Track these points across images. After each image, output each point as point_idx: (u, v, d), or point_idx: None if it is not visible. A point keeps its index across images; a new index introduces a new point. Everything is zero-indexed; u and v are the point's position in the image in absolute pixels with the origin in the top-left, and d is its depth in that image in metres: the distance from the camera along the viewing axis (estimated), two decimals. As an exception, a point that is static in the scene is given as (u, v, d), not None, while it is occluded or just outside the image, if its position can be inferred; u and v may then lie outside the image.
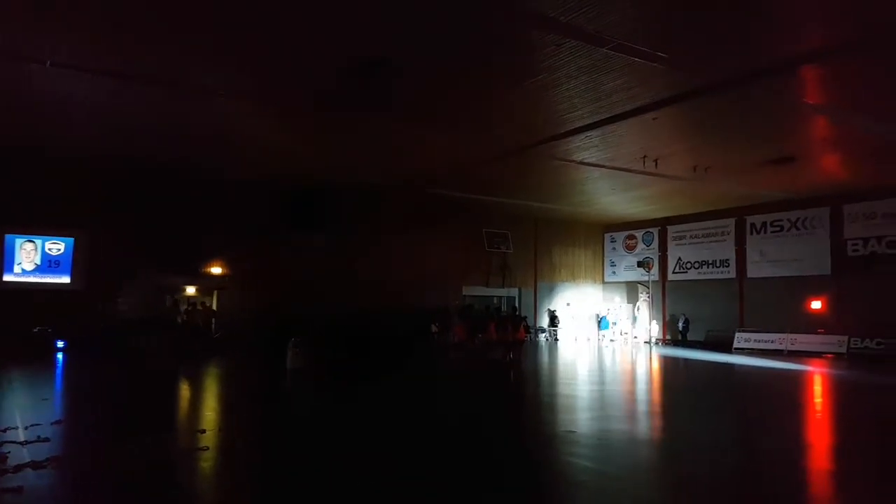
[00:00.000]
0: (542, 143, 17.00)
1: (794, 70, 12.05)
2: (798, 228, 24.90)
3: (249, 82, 13.22)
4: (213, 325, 22.38)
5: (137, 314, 21.60)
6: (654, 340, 24.67)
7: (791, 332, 24.21)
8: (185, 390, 13.59)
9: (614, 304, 31.22)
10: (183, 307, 22.61)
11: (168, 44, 11.30)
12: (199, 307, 22.38)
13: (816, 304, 24.04)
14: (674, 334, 28.18)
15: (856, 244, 23.22)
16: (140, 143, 17.86)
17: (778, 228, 25.61)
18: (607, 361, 20.88)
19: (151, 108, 14.85)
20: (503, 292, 29.33)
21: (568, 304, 31.03)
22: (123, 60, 12.05)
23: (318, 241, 24.16)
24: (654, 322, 25.77)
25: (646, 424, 10.14)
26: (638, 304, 26.30)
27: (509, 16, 9.99)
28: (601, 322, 29.86)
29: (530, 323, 29.02)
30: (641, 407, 12.09)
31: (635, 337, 28.88)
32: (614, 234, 32.28)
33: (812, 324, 23.98)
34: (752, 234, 26.53)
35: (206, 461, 7.07)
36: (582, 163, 19.10)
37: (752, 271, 26.37)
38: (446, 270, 27.89)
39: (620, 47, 10.87)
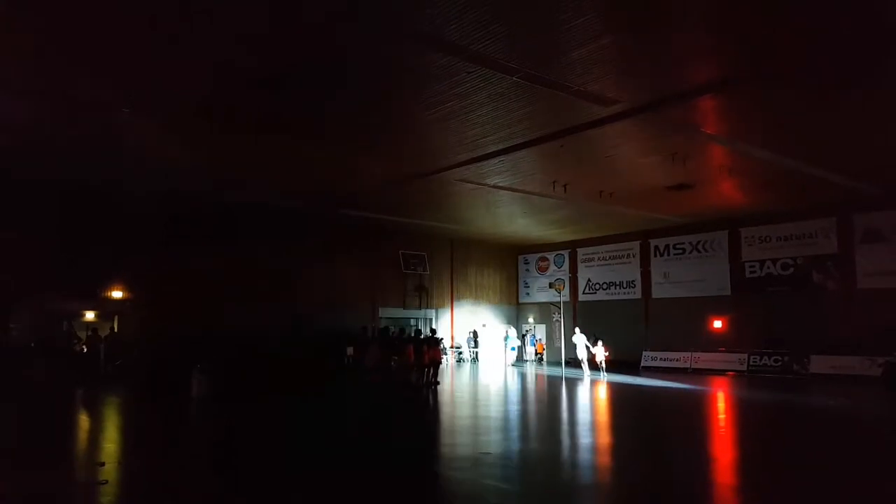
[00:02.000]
0: (455, 166, 17.21)
1: (692, 100, 12.66)
2: (699, 251, 26.14)
3: (149, 97, 12.67)
4: (114, 352, 21.30)
5: (31, 341, 20.38)
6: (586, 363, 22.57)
7: (694, 351, 25.27)
8: (84, 421, 12.96)
9: (529, 325, 31.78)
10: (81, 332, 21.51)
11: (58, 57, 10.80)
12: (108, 333, 21.40)
13: (718, 324, 25.21)
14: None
15: (753, 266, 24.54)
16: (33, 159, 16.86)
17: (680, 251, 26.79)
18: (520, 382, 21.17)
19: (41, 123, 14.05)
20: (420, 314, 29.34)
21: (484, 325, 31.35)
22: (9, 73, 11.46)
23: (225, 262, 23.38)
24: (599, 345, 22.61)
25: (555, 444, 10.33)
26: (575, 331, 23.89)
27: (419, 43, 10.12)
28: (506, 340, 30.27)
29: (447, 344, 29.15)
30: (552, 426, 12.31)
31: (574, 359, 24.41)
32: (528, 256, 32.97)
33: (714, 343, 25.12)
34: (655, 256, 27.62)
35: (106, 495, 6.79)
36: (495, 186, 19.46)
37: (657, 292, 27.45)
38: (362, 292, 27.78)
39: (529, 76, 11.20)
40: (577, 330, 24.13)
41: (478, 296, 31.86)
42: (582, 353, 22.96)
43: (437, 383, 18.86)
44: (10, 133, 14.52)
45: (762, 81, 11.67)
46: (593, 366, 22.87)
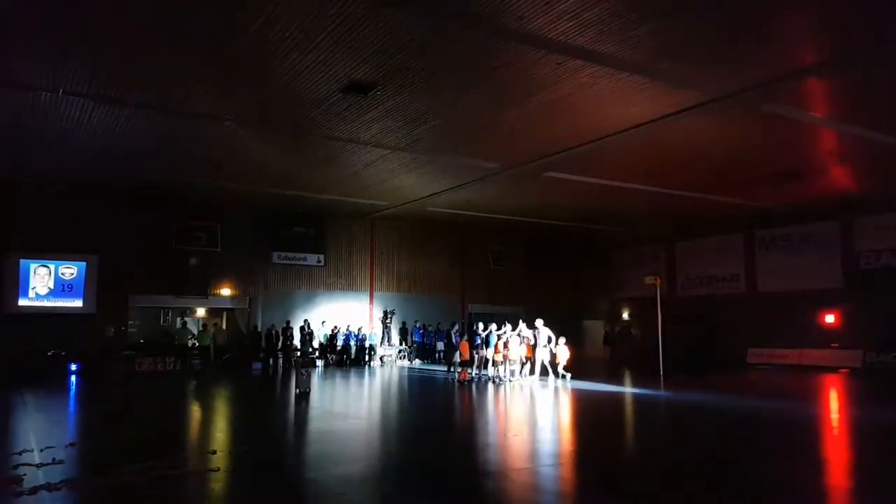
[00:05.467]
0: (539, 159, 16.89)
1: (799, 83, 11.93)
2: (808, 242, 24.63)
3: (252, 108, 13.51)
4: (222, 347, 22.58)
5: (147, 336, 21.84)
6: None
7: (804, 347, 23.89)
8: (195, 412, 13.64)
9: (626, 321, 30.88)
10: (196, 329, 22.92)
11: (170, 71, 11.50)
12: (216, 329, 22.89)
13: (829, 318, 23.68)
14: (681, 352, 26.98)
15: (868, 256, 22.96)
16: (147, 170, 18.24)
17: (787, 242, 25.36)
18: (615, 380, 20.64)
19: (155, 136, 15.15)
20: (509, 310, 29.14)
21: (607, 321, 30.74)
22: (131, 89, 12.31)
23: (314, 261, 24.89)
24: (562, 343, 17.97)
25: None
26: (537, 324, 18.14)
27: (506, 37, 10.02)
28: (605, 339, 29.82)
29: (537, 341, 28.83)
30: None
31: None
32: (622, 251, 32.00)
33: (825, 338, 23.62)
34: (761, 248, 26.30)
35: (217, 482, 7.04)
36: (579, 179, 18.97)
37: (763, 286, 26.10)
38: (451, 288, 28.15)
39: (620, 65, 10.87)
40: (539, 322, 18.30)
41: (569, 292, 31.24)
42: (543, 352, 17.98)
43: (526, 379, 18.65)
44: (125, 144, 15.54)
45: (872, 59, 10.84)
46: (545, 370, 18.00)
